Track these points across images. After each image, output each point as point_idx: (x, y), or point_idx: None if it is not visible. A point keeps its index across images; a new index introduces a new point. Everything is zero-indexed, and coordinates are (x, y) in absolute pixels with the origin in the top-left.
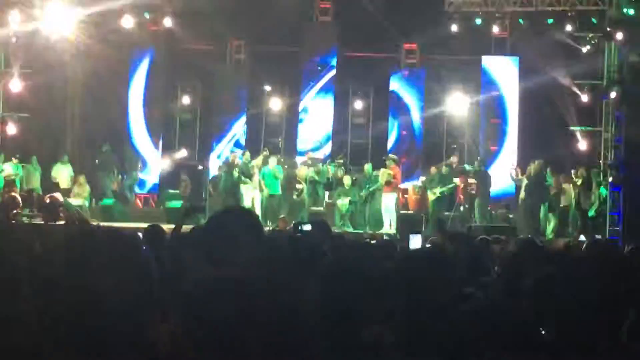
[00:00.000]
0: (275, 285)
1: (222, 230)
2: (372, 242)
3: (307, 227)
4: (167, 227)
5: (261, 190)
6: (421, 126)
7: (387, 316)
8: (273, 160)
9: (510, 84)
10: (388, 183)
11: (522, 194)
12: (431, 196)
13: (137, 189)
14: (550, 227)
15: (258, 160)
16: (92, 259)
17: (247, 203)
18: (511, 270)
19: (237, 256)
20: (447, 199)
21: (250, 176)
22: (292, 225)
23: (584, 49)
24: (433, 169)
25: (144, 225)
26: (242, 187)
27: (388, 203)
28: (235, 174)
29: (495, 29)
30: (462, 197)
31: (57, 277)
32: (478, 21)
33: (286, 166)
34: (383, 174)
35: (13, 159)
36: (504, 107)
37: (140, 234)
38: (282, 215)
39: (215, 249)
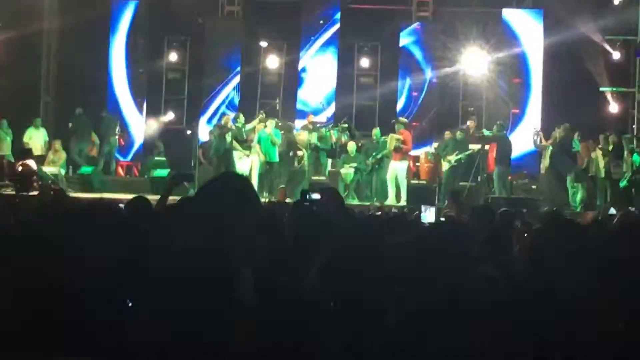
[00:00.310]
0: (272, 265)
1: (214, 199)
2: (378, 214)
3: (316, 196)
4: (153, 197)
5: (257, 156)
6: (435, 86)
7: (399, 303)
8: (270, 124)
9: (533, 39)
10: (397, 149)
11: (545, 162)
12: (445, 165)
13: (118, 156)
14: (577, 198)
15: (253, 124)
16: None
17: (241, 171)
18: (534, 248)
19: (230, 230)
20: (462, 168)
21: (244, 141)
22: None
23: (616, 1)
24: (447, 134)
25: (127, 196)
26: (235, 154)
27: (397, 171)
28: (228, 138)
29: None
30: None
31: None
32: None
33: (283, 131)
34: (391, 140)
35: None
36: (527, 66)
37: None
38: (281, 186)
39: (205, 221)
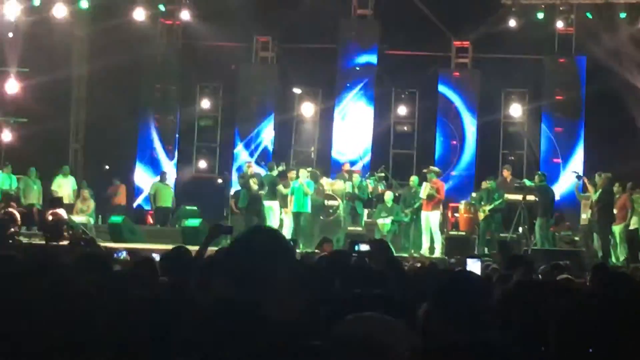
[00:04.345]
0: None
1: (249, 252)
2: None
3: (365, 247)
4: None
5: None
6: (474, 135)
7: None
8: (302, 174)
9: (575, 87)
10: (430, 198)
11: (588, 212)
12: (481, 215)
13: (148, 206)
14: (620, 254)
15: (273, 174)
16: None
17: (274, 222)
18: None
19: (264, 282)
20: (499, 218)
21: (272, 187)
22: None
23: None
24: (484, 184)
25: (158, 246)
26: (268, 203)
27: (430, 222)
28: (254, 186)
29: (560, 24)
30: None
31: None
32: (540, 15)
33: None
34: (425, 188)
35: (5, 168)
36: (571, 115)
37: (156, 257)
38: (324, 236)
39: (238, 273)
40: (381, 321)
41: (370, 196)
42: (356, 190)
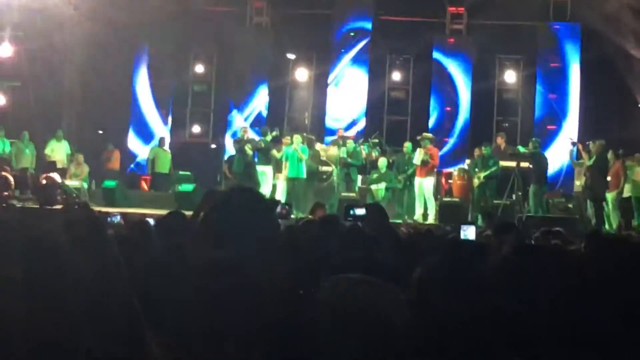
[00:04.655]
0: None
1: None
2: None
3: (361, 212)
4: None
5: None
6: (468, 101)
7: None
8: (296, 140)
9: (570, 54)
10: (424, 163)
11: (581, 180)
12: (475, 181)
13: (142, 171)
14: (614, 221)
15: (267, 139)
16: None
17: (267, 187)
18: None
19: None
20: (494, 184)
21: (266, 152)
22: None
23: None
24: (477, 151)
25: (151, 211)
26: (261, 168)
27: (424, 188)
28: (249, 151)
29: None
30: None
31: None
32: None
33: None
34: (419, 154)
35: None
36: (564, 81)
37: (151, 221)
38: (317, 202)
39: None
40: (374, 285)
41: (364, 162)
42: (349, 157)
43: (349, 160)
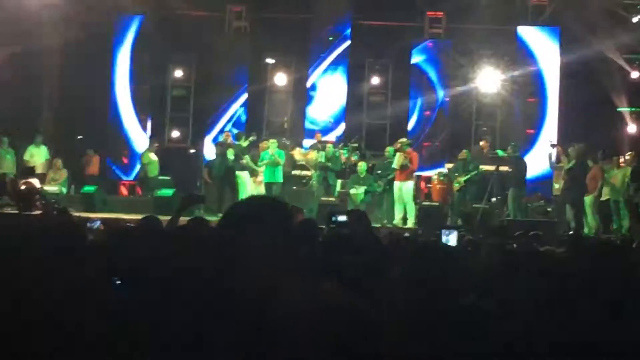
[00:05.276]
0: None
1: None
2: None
3: (342, 218)
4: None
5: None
6: (447, 105)
7: None
8: (272, 145)
9: (549, 58)
10: (404, 168)
11: (560, 182)
12: (456, 185)
13: (122, 175)
14: (592, 224)
15: (243, 144)
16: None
17: (244, 192)
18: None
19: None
20: (474, 189)
21: (246, 158)
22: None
23: (635, 18)
24: (460, 155)
25: (131, 216)
26: (241, 174)
27: (403, 192)
28: (230, 156)
29: None
30: None
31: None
32: None
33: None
34: (399, 158)
35: None
36: (542, 85)
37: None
38: (294, 205)
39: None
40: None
41: (343, 166)
42: (328, 161)
43: (328, 164)
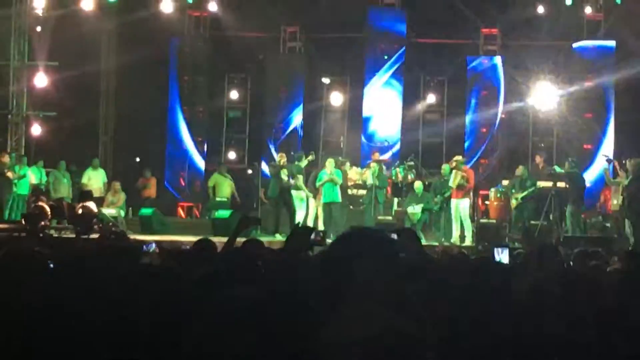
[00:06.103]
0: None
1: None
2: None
3: (393, 236)
4: (217, 240)
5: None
6: (503, 122)
7: None
8: (330, 164)
9: (605, 73)
10: (460, 187)
11: (619, 198)
12: (513, 202)
13: (179, 197)
14: None
15: (302, 164)
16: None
17: (302, 212)
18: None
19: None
20: (532, 205)
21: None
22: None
23: None
24: (517, 171)
25: (188, 238)
26: (296, 193)
27: (460, 210)
28: (284, 177)
29: (588, 10)
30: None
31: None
32: (568, 1)
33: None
34: (455, 176)
35: (37, 163)
36: (599, 100)
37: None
38: (350, 226)
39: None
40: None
41: (400, 185)
42: (376, 180)
43: (376, 183)
